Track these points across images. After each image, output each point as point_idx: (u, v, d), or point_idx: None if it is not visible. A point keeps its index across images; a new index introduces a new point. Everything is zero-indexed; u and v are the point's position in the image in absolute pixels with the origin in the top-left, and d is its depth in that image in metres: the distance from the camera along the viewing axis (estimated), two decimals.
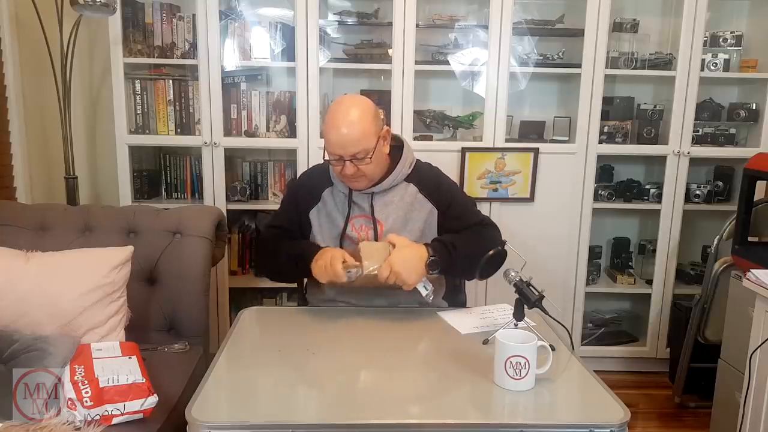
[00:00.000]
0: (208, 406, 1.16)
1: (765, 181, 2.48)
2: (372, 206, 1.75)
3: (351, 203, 1.76)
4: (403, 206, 1.75)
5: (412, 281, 1.58)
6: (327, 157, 1.68)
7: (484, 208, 2.54)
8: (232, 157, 2.81)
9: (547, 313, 1.46)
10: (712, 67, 2.70)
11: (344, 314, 1.66)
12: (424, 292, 1.61)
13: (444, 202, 1.78)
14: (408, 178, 1.78)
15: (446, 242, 1.66)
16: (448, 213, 1.77)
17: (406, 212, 1.76)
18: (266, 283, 2.82)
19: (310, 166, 2.04)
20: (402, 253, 1.58)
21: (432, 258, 1.60)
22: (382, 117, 1.74)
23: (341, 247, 1.73)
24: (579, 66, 2.66)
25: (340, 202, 1.78)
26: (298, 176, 2.40)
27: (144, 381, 1.44)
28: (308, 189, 1.83)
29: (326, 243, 1.75)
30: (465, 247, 1.66)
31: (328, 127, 1.66)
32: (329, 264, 1.59)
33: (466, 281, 1.98)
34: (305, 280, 1.96)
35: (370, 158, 1.64)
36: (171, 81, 2.68)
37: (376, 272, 1.57)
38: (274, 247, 1.81)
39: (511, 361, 1.20)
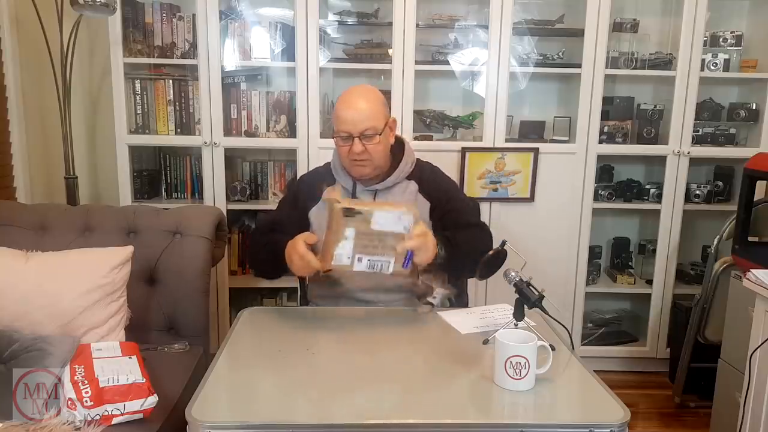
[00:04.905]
0: (208, 406, 1.16)
1: (765, 181, 2.48)
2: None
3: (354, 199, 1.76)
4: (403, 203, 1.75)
5: (430, 250, 1.52)
6: (334, 137, 1.71)
7: (484, 208, 2.54)
8: (232, 157, 2.81)
9: (547, 313, 1.46)
10: (712, 67, 2.70)
11: (344, 314, 1.66)
12: (438, 295, 1.66)
13: (442, 199, 1.79)
14: (409, 176, 1.80)
15: (445, 235, 1.65)
16: (445, 206, 1.77)
17: None
18: (266, 283, 2.81)
19: (311, 168, 2.02)
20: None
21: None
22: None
23: None
24: (579, 66, 2.66)
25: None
26: (298, 177, 2.39)
27: (144, 381, 1.44)
28: (309, 188, 1.82)
29: None
30: (464, 243, 1.65)
31: (340, 105, 1.71)
32: (300, 255, 1.52)
33: (465, 280, 1.97)
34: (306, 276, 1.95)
35: (379, 138, 1.68)
36: (171, 81, 2.68)
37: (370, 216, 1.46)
38: (258, 242, 1.83)
39: (511, 361, 1.20)
